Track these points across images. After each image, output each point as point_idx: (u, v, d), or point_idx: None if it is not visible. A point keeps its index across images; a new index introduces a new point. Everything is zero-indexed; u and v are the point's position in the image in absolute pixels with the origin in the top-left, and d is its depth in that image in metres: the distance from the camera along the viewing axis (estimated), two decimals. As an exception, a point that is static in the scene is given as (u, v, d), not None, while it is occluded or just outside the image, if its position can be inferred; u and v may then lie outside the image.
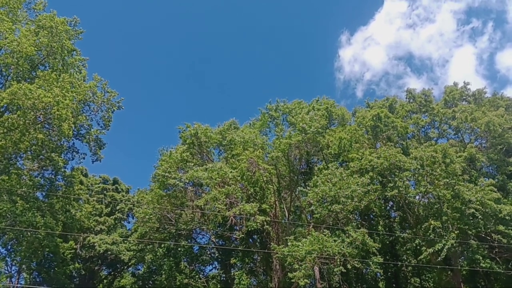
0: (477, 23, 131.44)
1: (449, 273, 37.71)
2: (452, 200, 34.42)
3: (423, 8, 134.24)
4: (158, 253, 42.83)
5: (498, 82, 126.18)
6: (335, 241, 29.46)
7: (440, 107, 46.62)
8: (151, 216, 39.16)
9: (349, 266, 29.65)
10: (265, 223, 32.24)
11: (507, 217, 33.22)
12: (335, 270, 29.57)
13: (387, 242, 41.30)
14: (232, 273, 41.34)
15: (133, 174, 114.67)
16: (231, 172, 33.75)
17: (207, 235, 45.53)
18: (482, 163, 41.97)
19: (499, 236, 33.58)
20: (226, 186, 32.88)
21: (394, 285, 44.37)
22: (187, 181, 37.31)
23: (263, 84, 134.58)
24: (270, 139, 41.42)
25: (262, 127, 43.57)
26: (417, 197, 37.15)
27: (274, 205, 36.09)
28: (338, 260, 28.77)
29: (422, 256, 34.15)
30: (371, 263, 31.76)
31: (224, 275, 44.69)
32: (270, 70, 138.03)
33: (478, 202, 32.98)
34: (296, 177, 39.51)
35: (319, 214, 32.64)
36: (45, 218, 31.65)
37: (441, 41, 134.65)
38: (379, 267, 33.64)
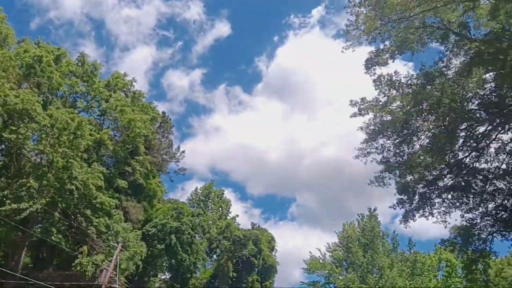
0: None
1: (19, 233, 37.03)
2: (61, 170, 34.72)
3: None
4: None
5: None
6: None
7: (101, 85, 47.30)
8: None
9: None
10: None
11: (103, 206, 36.64)
12: None
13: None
14: None
15: None
16: None
17: None
18: (106, 151, 44.11)
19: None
20: None
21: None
22: None
23: None
24: None
25: None
26: (31, 152, 35.98)
27: None
28: None
29: (3, 208, 32.61)
30: None
31: None
32: None
33: (81, 182, 34.44)
34: None
35: None
36: None
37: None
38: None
